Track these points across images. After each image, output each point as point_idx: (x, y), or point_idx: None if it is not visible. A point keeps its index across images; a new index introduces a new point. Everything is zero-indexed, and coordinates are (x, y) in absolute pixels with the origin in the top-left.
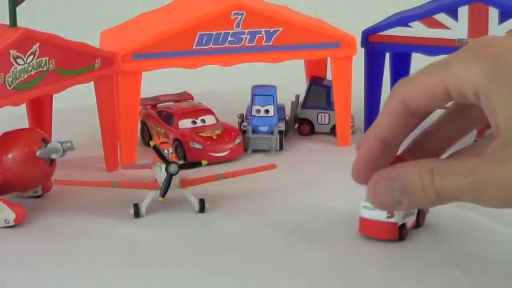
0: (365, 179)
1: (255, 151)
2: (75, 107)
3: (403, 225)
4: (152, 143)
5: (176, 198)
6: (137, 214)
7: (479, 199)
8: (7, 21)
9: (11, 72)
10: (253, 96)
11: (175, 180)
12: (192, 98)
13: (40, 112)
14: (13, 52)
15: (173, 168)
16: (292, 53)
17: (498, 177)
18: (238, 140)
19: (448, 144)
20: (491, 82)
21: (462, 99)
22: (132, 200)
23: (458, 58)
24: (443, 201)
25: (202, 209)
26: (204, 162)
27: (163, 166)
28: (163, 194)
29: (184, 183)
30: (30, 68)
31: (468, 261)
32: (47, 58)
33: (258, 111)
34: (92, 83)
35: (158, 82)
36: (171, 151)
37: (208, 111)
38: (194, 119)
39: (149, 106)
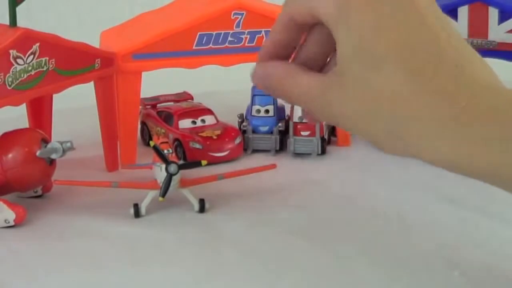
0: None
1: (255, 151)
2: (75, 107)
3: None
4: (152, 143)
5: (176, 198)
6: (137, 214)
7: (315, 113)
8: (7, 21)
9: (11, 72)
10: (253, 96)
11: (175, 180)
12: (192, 98)
13: (40, 112)
14: (13, 52)
15: (173, 168)
16: None
17: (320, 102)
18: (238, 140)
19: (324, 56)
20: (337, 19)
21: (318, 21)
22: (132, 200)
23: None
24: (291, 102)
25: (202, 209)
26: (204, 162)
27: (163, 166)
28: (163, 194)
29: (184, 183)
30: (30, 68)
31: (468, 261)
32: (47, 58)
33: (258, 111)
34: (92, 83)
35: (158, 82)
36: (171, 151)
37: (208, 111)
38: (194, 119)
39: (149, 106)
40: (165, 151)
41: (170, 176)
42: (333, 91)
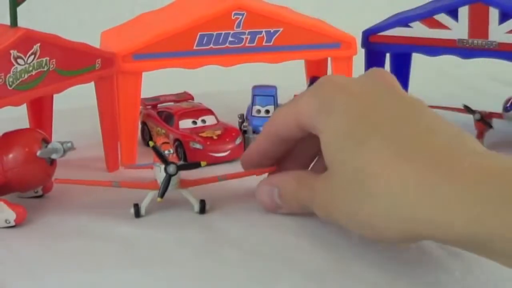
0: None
1: None
2: (76, 107)
3: None
4: (151, 143)
5: (176, 198)
6: (137, 213)
7: (319, 213)
8: (7, 21)
9: (11, 72)
10: (253, 96)
11: (174, 180)
12: (192, 98)
13: (41, 112)
14: (13, 52)
15: (172, 168)
16: (292, 53)
17: (322, 200)
18: (238, 141)
19: (311, 159)
20: (318, 115)
21: (307, 130)
22: (132, 200)
23: (303, 95)
24: (305, 208)
25: (202, 210)
26: (203, 163)
27: (163, 166)
28: (161, 195)
29: (184, 184)
30: (30, 68)
31: (468, 261)
32: (48, 58)
33: (259, 111)
34: (92, 83)
35: (158, 82)
36: (172, 151)
37: (209, 111)
38: (194, 119)
39: (149, 106)
40: (166, 152)
41: (169, 177)
42: (321, 190)
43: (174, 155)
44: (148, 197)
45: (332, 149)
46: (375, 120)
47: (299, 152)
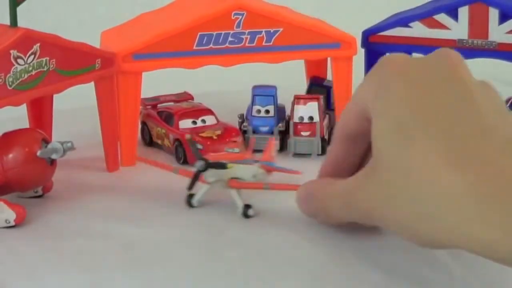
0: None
1: (255, 151)
2: (76, 107)
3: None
4: (187, 136)
5: (176, 198)
6: (189, 203)
7: (351, 215)
8: (7, 21)
9: (11, 72)
10: (253, 96)
11: (223, 177)
12: (192, 98)
13: (41, 112)
14: (13, 52)
15: (199, 164)
16: (292, 53)
17: (361, 195)
18: (238, 141)
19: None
20: (375, 100)
21: (369, 117)
22: (132, 200)
23: (363, 81)
24: (335, 220)
25: (245, 214)
26: (230, 165)
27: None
28: (190, 187)
29: (233, 184)
30: (30, 68)
31: (468, 261)
32: (48, 58)
33: (259, 111)
34: (92, 83)
35: (158, 82)
36: (237, 150)
37: (209, 111)
38: (194, 119)
39: (149, 106)
40: (231, 150)
41: (197, 172)
42: (365, 181)
43: (246, 151)
44: (202, 190)
45: (381, 141)
46: (428, 114)
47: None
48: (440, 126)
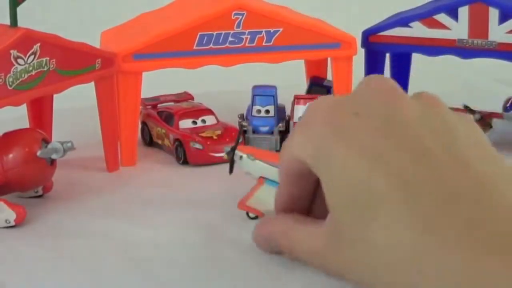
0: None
1: None
2: (76, 107)
3: None
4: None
5: (175, 198)
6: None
7: (325, 272)
8: (7, 21)
9: (11, 72)
10: (253, 96)
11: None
12: (192, 98)
13: (41, 112)
14: (13, 52)
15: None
16: (292, 53)
17: (330, 259)
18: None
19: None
20: (316, 159)
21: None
22: (132, 200)
23: (293, 133)
24: (298, 260)
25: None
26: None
27: (244, 155)
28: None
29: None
30: (30, 68)
31: None
32: (48, 58)
33: (259, 111)
34: (92, 83)
35: (158, 82)
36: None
37: (209, 111)
38: (194, 119)
39: (149, 106)
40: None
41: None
42: (331, 247)
43: None
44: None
45: (339, 214)
46: (386, 178)
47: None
48: (402, 190)
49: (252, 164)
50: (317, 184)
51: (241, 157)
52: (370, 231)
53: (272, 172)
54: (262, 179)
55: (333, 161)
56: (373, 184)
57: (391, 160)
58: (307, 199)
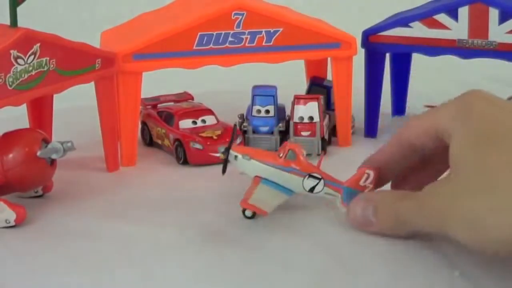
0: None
1: None
2: (76, 107)
3: None
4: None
5: (175, 198)
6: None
7: (419, 218)
8: (7, 21)
9: (11, 72)
10: (253, 96)
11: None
12: (192, 98)
13: (41, 112)
14: (13, 52)
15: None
16: (292, 53)
17: (438, 196)
18: (238, 141)
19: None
20: (454, 120)
21: (440, 137)
22: (132, 200)
23: (445, 104)
24: (403, 226)
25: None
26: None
27: (238, 155)
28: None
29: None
30: (30, 68)
31: (468, 261)
32: (48, 58)
33: (259, 111)
34: (92, 83)
35: (158, 82)
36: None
37: (209, 111)
38: (194, 119)
39: (149, 106)
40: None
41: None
42: (443, 184)
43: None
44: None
45: (461, 150)
46: (507, 129)
47: (422, 172)
48: None
49: (247, 164)
50: (410, 166)
51: (235, 157)
52: (485, 160)
53: (268, 171)
54: (258, 178)
55: (471, 111)
56: (495, 131)
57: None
58: (397, 172)
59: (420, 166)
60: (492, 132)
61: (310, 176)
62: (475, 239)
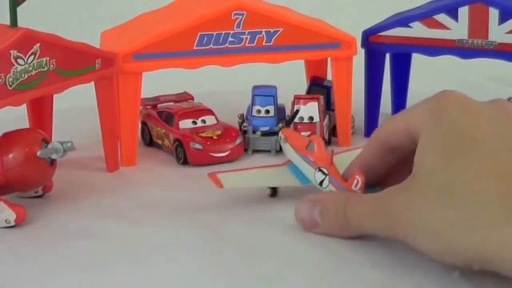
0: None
1: (255, 151)
2: (76, 107)
3: None
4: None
5: (175, 198)
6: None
7: (375, 223)
8: (7, 21)
9: (11, 72)
10: (253, 96)
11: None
12: (192, 98)
13: (41, 112)
14: (13, 52)
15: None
16: (292, 53)
17: (395, 202)
18: (238, 141)
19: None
20: (427, 120)
21: (414, 137)
22: (132, 200)
23: (419, 104)
24: (352, 228)
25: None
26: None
27: (282, 136)
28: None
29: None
30: (30, 68)
31: None
32: (48, 58)
33: (259, 111)
34: (92, 83)
35: (158, 82)
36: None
37: (209, 112)
38: (194, 120)
39: (149, 106)
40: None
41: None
42: (401, 190)
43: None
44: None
45: (426, 155)
46: (477, 137)
47: (402, 173)
48: (486, 149)
49: (284, 147)
50: (390, 167)
51: (281, 138)
52: (449, 169)
53: (294, 157)
54: (287, 162)
55: (443, 115)
56: (464, 139)
57: (483, 129)
58: (377, 174)
59: (399, 167)
60: (459, 142)
61: (320, 170)
62: (434, 249)
